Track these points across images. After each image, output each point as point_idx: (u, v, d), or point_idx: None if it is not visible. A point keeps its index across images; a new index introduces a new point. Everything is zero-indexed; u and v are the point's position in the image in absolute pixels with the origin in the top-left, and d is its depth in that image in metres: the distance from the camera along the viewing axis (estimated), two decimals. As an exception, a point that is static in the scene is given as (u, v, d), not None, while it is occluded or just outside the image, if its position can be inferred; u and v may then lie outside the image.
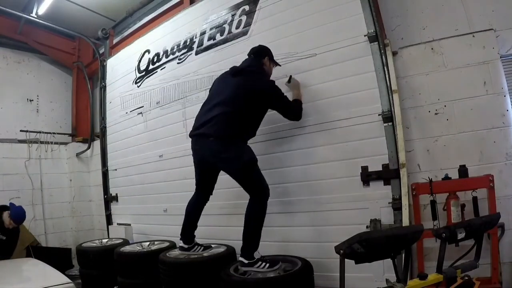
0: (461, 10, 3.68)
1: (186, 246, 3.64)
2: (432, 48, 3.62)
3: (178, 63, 5.15)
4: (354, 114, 3.56)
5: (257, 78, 3.45)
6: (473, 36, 3.48)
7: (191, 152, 3.54)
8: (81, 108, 7.61)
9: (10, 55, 6.91)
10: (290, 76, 3.81)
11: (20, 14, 6.43)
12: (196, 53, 4.91)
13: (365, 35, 3.54)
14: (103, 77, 6.59)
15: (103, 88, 6.57)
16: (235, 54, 4.37)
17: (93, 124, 7.37)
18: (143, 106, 5.63)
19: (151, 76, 5.55)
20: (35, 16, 6.52)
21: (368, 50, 3.53)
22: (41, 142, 6.95)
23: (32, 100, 7.13)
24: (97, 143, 6.96)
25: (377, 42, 3.50)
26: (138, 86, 5.77)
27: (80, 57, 7.66)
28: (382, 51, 3.49)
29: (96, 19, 6.74)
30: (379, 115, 3.40)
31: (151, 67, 5.57)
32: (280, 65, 3.80)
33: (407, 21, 3.92)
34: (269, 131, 4.01)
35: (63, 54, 7.52)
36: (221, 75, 3.71)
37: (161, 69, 5.41)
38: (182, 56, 5.09)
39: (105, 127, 6.48)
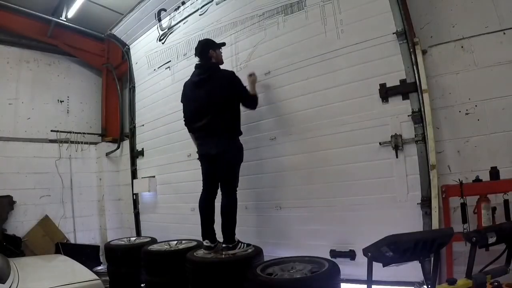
0: (491, 7, 3.52)
1: None
2: (462, 46, 3.53)
3: (200, 15, 5.41)
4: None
5: (219, 80, 3.82)
6: (504, 33, 3.36)
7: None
8: (110, 109, 7.76)
9: (41, 58, 7.09)
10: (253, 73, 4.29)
11: (50, 17, 6.66)
12: (217, 3, 5.13)
13: (393, 33, 3.53)
14: (132, 78, 6.78)
15: (132, 89, 6.76)
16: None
17: (122, 124, 7.50)
18: (170, 61, 5.96)
19: (174, 32, 5.85)
20: (65, 20, 6.74)
21: (397, 49, 3.54)
22: (71, 142, 7.13)
23: (63, 101, 7.31)
24: (126, 143, 7.14)
25: (406, 41, 3.49)
26: (162, 43, 6.07)
27: (109, 59, 7.81)
28: (411, 49, 3.46)
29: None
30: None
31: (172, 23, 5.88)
32: (225, 44, 4.19)
33: (436, 19, 3.81)
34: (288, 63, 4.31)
35: (92, 56, 7.70)
36: (187, 89, 4.07)
37: (183, 23, 5.68)
38: (203, 8, 5.37)
39: (135, 127, 6.68)
